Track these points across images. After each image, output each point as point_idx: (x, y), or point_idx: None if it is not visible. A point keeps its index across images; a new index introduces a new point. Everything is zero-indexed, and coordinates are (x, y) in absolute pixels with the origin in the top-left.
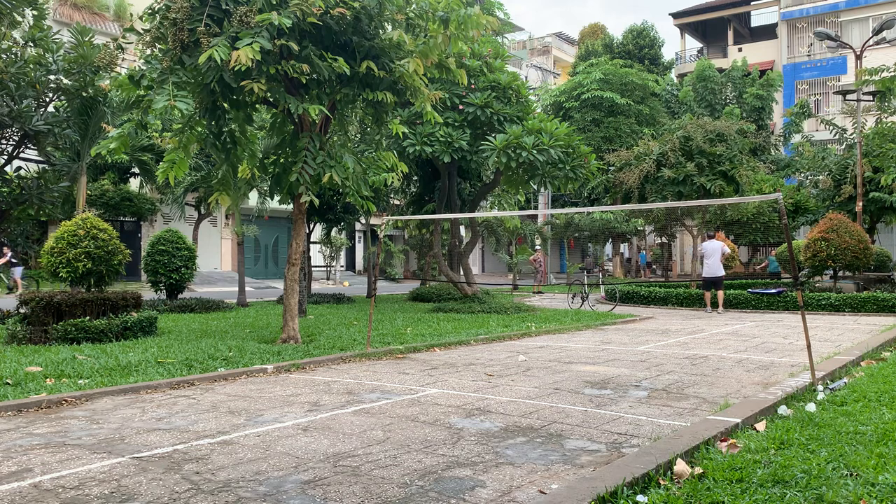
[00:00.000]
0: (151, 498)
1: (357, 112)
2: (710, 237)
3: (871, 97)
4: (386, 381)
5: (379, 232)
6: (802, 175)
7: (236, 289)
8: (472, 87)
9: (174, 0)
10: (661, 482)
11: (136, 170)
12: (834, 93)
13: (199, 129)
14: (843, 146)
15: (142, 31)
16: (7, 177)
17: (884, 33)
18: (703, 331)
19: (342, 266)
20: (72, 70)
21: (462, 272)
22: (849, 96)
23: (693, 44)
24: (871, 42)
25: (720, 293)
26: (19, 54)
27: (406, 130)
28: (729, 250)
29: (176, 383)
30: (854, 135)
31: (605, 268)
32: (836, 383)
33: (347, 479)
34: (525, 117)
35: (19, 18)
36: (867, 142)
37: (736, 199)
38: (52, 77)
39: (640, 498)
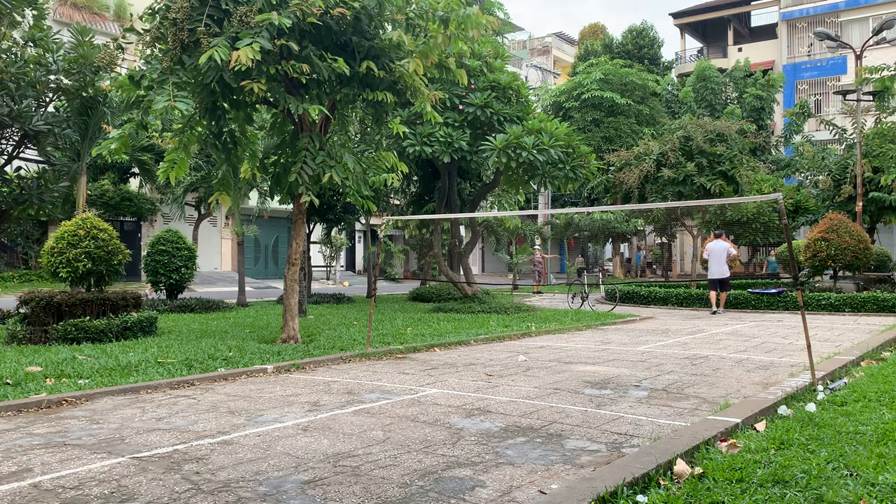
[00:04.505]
0: (151, 498)
1: (357, 112)
2: (718, 236)
3: (870, 97)
4: (386, 381)
5: (379, 232)
6: (802, 175)
7: (236, 289)
8: (472, 87)
9: (174, 0)
10: (661, 482)
11: (136, 170)
12: (834, 93)
13: (200, 129)
14: (843, 146)
15: (142, 31)
16: (7, 177)
17: (884, 33)
18: (703, 331)
19: (342, 266)
20: (72, 70)
21: (462, 272)
22: (848, 96)
23: (693, 44)
24: (871, 42)
25: (723, 294)
26: (19, 54)
27: (406, 130)
28: (735, 251)
29: (176, 383)
30: (854, 135)
31: (605, 268)
32: (836, 383)
33: (347, 479)
34: (525, 117)
35: (19, 18)
36: (867, 142)
37: (736, 199)
38: (52, 77)
39: (640, 498)
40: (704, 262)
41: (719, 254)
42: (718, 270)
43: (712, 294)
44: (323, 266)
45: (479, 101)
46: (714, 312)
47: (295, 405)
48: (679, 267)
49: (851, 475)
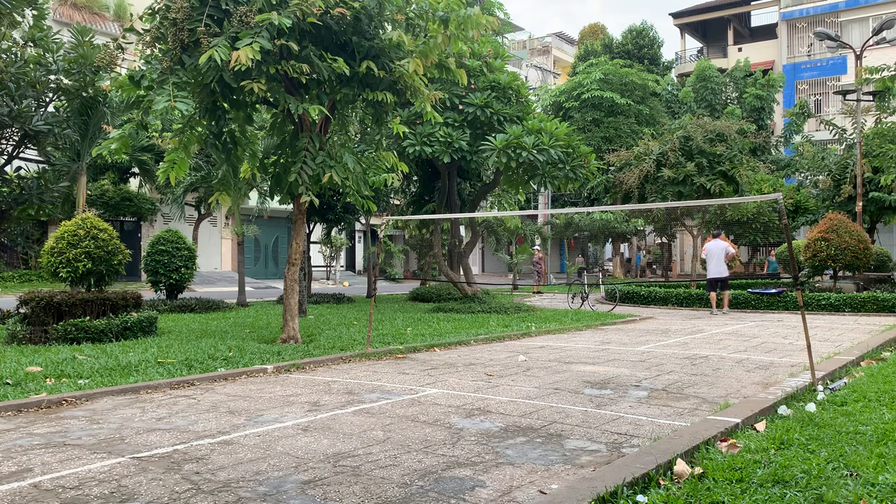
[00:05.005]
0: (151, 498)
1: (357, 112)
2: (716, 236)
3: (870, 97)
4: (386, 381)
5: (379, 232)
6: (802, 175)
7: (236, 289)
8: (472, 87)
9: (174, 0)
10: (661, 482)
11: (136, 170)
12: (834, 93)
13: (200, 129)
14: (843, 146)
15: (142, 31)
16: (7, 177)
17: (884, 33)
18: (703, 331)
19: (342, 266)
20: (72, 70)
21: (462, 272)
22: (848, 96)
23: (693, 44)
24: (871, 42)
25: (726, 293)
26: (19, 54)
27: (406, 130)
28: (734, 251)
29: (176, 383)
30: (854, 135)
31: (605, 268)
32: (836, 383)
33: (347, 479)
34: (525, 117)
35: (19, 18)
36: (867, 142)
37: (736, 199)
38: (52, 77)
39: (640, 498)
40: (704, 262)
41: (717, 254)
42: (716, 270)
43: (712, 295)
44: (323, 266)
45: (479, 101)
46: (714, 313)
47: (295, 405)
48: (679, 267)
49: (851, 475)
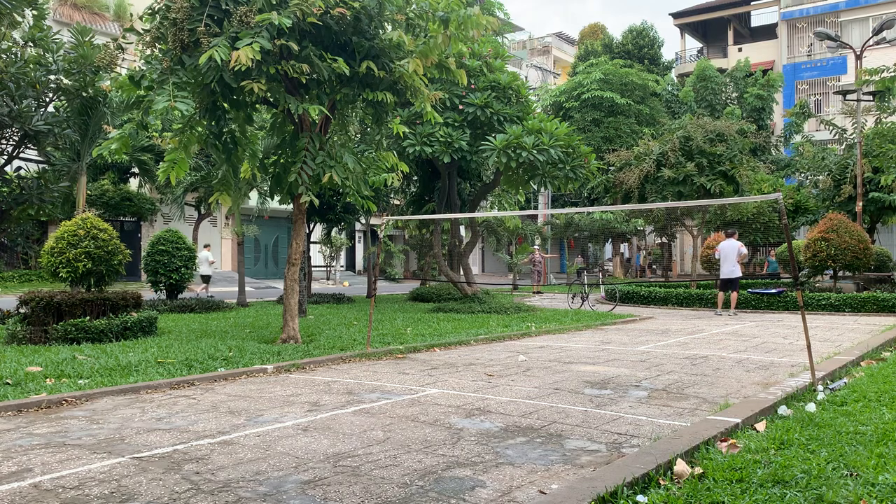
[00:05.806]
0: (151, 498)
1: (357, 112)
2: (730, 236)
3: (871, 97)
4: (386, 381)
5: (379, 232)
6: (802, 175)
7: (236, 289)
8: (472, 87)
9: (174, 0)
10: (661, 482)
11: (136, 170)
12: (834, 93)
13: (200, 129)
14: (843, 146)
15: (142, 32)
16: (7, 177)
17: (884, 33)
18: (703, 331)
19: (342, 266)
20: (72, 70)
21: (462, 272)
22: (849, 96)
23: (693, 44)
24: (871, 42)
25: (734, 294)
26: (19, 54)
27: (406, 130)
28: (746, 251)
29: (176, 383)
30: (854, 135)
31: (605, 268)
32: (836, 383)
33: (347, 479)
34: (525, 117)
35: (19, 18)
36: (867, 142)
37: (736, 199)
38: (52, 77)
39: (640, 498)
40: (705, 263)
41: (730, 254)
42: (728, 270)
43: (720, 295)
44: (323, 266)
45: (479, 101)
46: (718, 314)
47: (295, 405)
48: (679, 267)
49: (851, 475)
